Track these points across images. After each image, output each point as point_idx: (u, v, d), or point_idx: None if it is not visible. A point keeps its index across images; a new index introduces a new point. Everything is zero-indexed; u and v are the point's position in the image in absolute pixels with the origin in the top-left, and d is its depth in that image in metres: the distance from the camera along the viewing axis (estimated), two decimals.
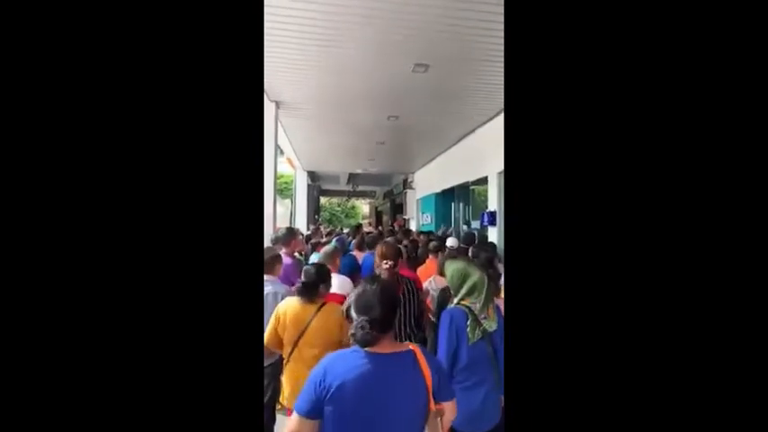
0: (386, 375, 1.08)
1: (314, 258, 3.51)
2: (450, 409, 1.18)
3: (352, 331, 1.12)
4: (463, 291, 1.69)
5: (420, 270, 3.17)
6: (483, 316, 1.63)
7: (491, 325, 1.63)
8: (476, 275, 1.69)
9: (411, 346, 1.17)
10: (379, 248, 2.44)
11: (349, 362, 1.09)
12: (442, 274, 2.12)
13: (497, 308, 1.73)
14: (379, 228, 10.96)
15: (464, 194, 7.28)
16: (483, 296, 1.65)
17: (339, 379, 1.06)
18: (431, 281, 2.72)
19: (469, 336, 1.60)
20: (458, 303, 1.69)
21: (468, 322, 1.62)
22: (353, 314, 1.14)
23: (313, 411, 1.07)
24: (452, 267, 1.75)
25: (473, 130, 6.01)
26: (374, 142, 6.93)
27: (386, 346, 1.13)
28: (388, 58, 3.48)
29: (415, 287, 2.37)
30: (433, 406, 1.12)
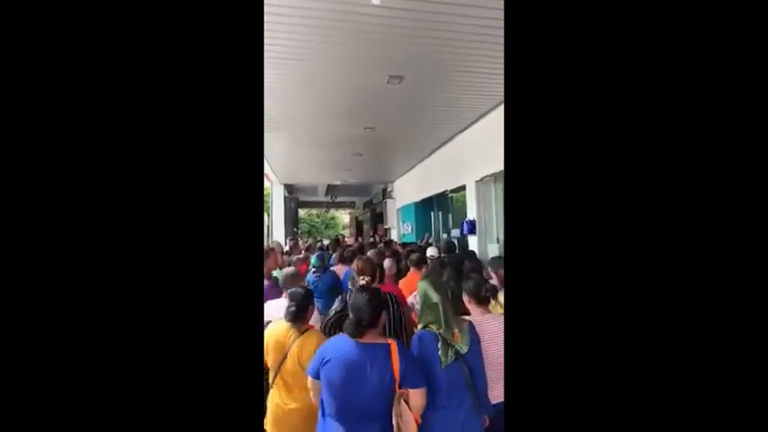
0: (361, 358, 1.46)
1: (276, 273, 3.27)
2: (414, 396, 1.45)
3: (347, 325, 1.53)
4: (424, 316, 1.69)
5: (402, 283, 3.12)
6: (449, 338, 1.60)
7: (461, 347, 1.59)
8: (432, 298, 1.68)
9: (390, 341, 1.52)
10: (355, 264, 2.44)
11: (339, 344, 1.52)
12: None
13: (470, 326, 1.70)
14: (360, 239, 10.89)
15: (443, 203, 7.29)
16: (442, 319, 1.63)
17: (329, 355, 1.50)
18: (415, 295, 2.53)
19: (442, 359, 1.57)
20: (424, 327, 1.68)
21: (439, 345, 1.59)
22: (349, 312, 1.54)
23: (317, 375, 1.52)
24: (419, 288, 1.76)
25: (450, 139, 6.07)
26: (351, 153, 6.90)
27: (369, 338, 1.51)
28: (363, 71, 3.48)
29: (396, 299, 2.35)
30: (397, 389, 1.42)
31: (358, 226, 18.24)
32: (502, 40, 2.62)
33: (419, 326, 1.71)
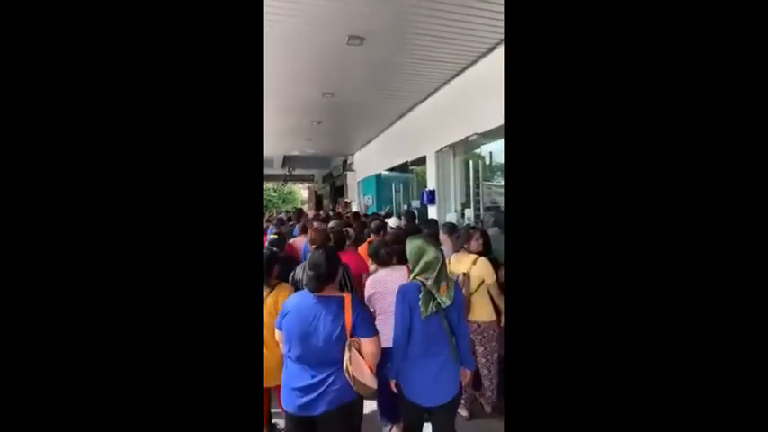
0: (316, 309, 1.60)
1: None
2: (366, 344, 1.58)
3: (305, 280, 1.65)
4: (418, 267, 1.74)
5: (362, 248, 3.22)
6: (435, 291, 1.68)
7: (444, 300, 1.68)
8: (431, 253, 1.74)
9: (345, 295, 1.65)
10: (309, 234, 2.73)
11: (299, 298, 1.67)
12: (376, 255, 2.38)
13: (455, 283, 1.81)
14: (320, 213, 10.60)
15: (405, 174, 7.41)
16: (435, 273, 1.70)
17: (289, 307, 1.66)
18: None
19: (422, 309, 1.65)
20: (413, 278, 1.75)
21: (421, 296, 1.67)
22: (306, 269, 1.65)
23: (280, 327, 1.68)
24: (411, 244, 1.81)
25: (411, 108, 5.96)
26: (310, 121, 6.74)
27: (326, 291, 1.63)
28: (321, 31, 3.35)
29: (347, 270, 2.47)
30: (348, 337, 1.56)
31: (317, 200, 17.96)
32: (468, 5, 2.77)
33: (410, 277, 1.79)
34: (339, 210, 10.41)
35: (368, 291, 2.25)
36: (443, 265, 1.74)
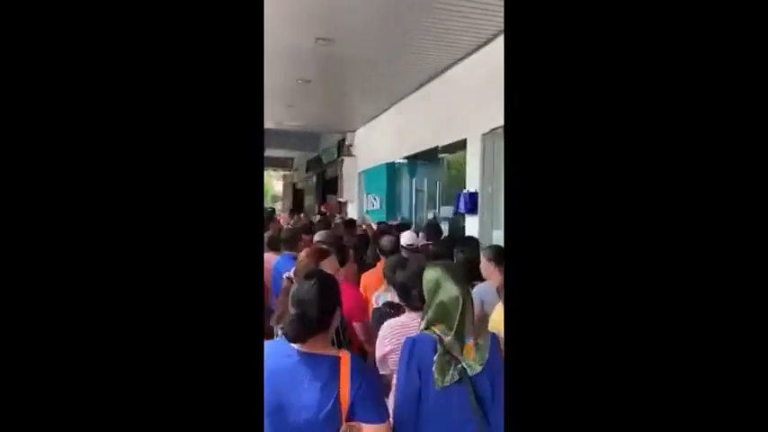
0: (299, 371, 1.42)
1: None
2: None
3: (282, 325, 1.49)
4: (431, 311, 1.63)
5: (367, 276, 3.02)
6: (456, 351, 1.55)
7: (471, 366, 1.52)
8: (450, 291, 1.61)
9: (341, 354, 1.46)
10: (302, 256, 2.41)
11: (273, 350, 1.45)
12: (393, 282, 2.23)
13: (494, 339, 1.62)
14: (299, 216, 9.39)
15: (431, 166, 6.81)
16: (456, 322, 1.56)
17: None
18: (380, 295, 2.57)
19: (436, 376, 1.51)
20: (425, 329, 1.63)
21: (436, 357, 1.53)
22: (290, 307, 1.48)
23: None
24: (427, 275, 1.70)
25: (446, 68, 5.35)
26: (294, 79, 5.87)
27: (313, 346, 1.43)
28: None
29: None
30: (344, 420, 1.38)
31: (295, 196, 15.30)
32: None
33: (421, 326, 1.67)
34: (326, 211, 9.32)
35: (382, 345, 1.93)
36: (469, 310, 1.60)
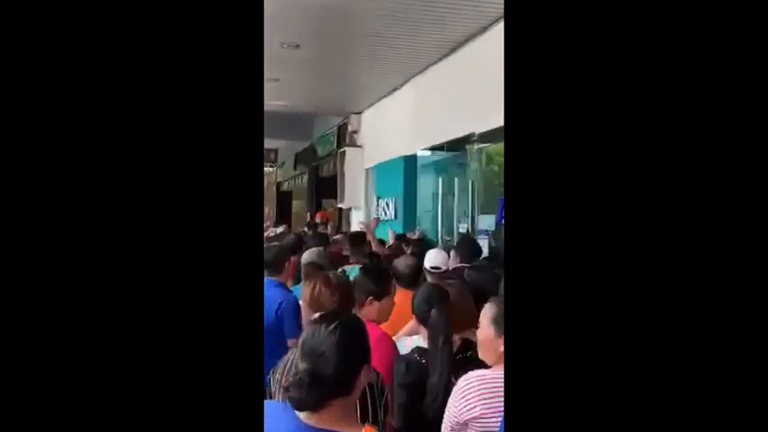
0: None
1: None
2: None
3: (286, 386, 1.24)
4: None
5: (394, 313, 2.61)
6: None
7: None
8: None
9: (365, 430, 1.23)
10: (307, 288, 2.12)
11: (274, 420, 1.18)
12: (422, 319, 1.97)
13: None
14: (285, 227, 8.18)
15: (462, 161, 5.88)
16: None
17: None
18: (403, 338, 2.30)
19: None
20: None
21: None
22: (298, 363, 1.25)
23: None
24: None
25: (483, 31, 4.53)
26: (279, 43, 4.96)
27: (327, 419, 1.15)
28: None
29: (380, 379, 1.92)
30: None
31: (281, 200, 12.85)
32: None
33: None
34: (319, 219, 7.99)
35: (465, 404, 1.65)
36: None
